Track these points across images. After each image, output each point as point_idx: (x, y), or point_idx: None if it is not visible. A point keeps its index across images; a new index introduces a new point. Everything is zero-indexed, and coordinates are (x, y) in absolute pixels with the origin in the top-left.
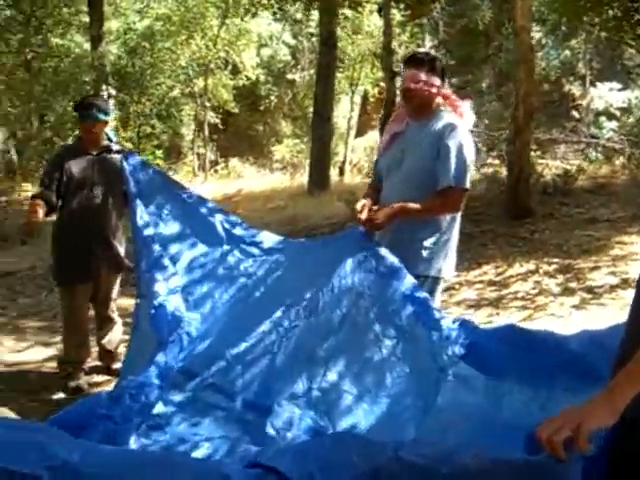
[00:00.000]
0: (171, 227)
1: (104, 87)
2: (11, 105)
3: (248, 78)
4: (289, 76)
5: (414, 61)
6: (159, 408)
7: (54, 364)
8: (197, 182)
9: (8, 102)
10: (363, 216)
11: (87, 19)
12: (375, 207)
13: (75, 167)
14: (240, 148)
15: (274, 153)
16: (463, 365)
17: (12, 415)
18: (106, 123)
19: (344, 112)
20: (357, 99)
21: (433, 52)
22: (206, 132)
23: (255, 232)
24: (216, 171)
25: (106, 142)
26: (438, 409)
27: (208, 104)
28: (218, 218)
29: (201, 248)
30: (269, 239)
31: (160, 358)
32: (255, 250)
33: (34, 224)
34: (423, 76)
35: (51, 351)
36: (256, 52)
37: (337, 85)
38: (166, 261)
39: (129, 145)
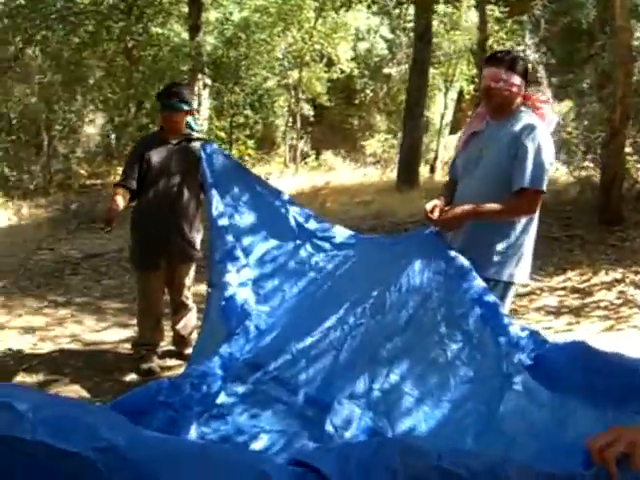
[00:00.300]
0: (245, 219)
1: (200, 76)
2: (111, 91)
3: (342, 71)
4: (385, 70)
5: (494, 60)
6: (221, 398)
7: (130, 345)
8: (288, 173)
9: (108, 88)
10: (434, 216)
11: (186, 9)
12: (447, 208)
13: (155, 156)
14: (333, 141)
15: (366, 147)
16: (528, 376)
17: (84, 393)
18: (187, 112)
19: (440, 108)
20: (453, 95)
21: (521, 53)
22: (299, 124)
23: (327, 226)
24: (306, 163)
25: (187, 131)
26: (500, 417)
27: (302, 96)
28: (292, 212)
29: (273, 241)
30: (341, 233)
31: (225, 349)
32: (326, 244)
33: (114, 213)
34: (503, 75)
35: (128, 332)
36: (353, 45)
37: (431, 81)
38: (238, 252)
39: (222, 134)
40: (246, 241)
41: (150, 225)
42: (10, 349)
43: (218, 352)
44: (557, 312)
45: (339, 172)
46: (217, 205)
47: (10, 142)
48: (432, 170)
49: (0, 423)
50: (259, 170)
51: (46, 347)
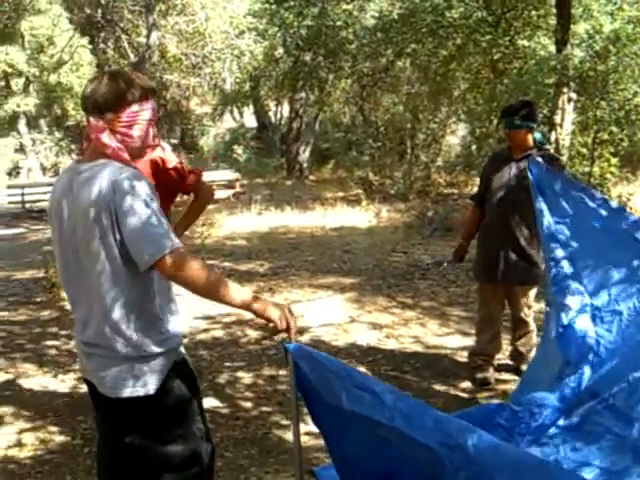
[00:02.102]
0: (579, 238)
1: (565, 90)
2: (475, 103)
3: None
4: None
5: None
6: (553, 429)
7: (467, 354)
8: None
9: (472, 100)
10: None
11: (555, 22)
12: None
13: (498, 172)
14: None
15: None
16: None
17: (419, 392)
18: (529, 130)
19: None
20: None
21: None
22: None
23: None
24: None
25: (535, 148)
26: None
27: None
28: (633, 227)
29: (612, 260)
30: None
31: (566, 381)
32: None
33: (458, 259)
34: None
35: (468, 341)
36: None
37: None
38: (574, 273)
39: (584, 150)
40: (581, 262)
41: (490, 240)
42: (357, 342)
43: (559, 384)
44: None
45: None
46: (549, 224)
47: (376, 148)
48: None
49: (365, 404)
50: (621, 190)
51: (390, 344)
